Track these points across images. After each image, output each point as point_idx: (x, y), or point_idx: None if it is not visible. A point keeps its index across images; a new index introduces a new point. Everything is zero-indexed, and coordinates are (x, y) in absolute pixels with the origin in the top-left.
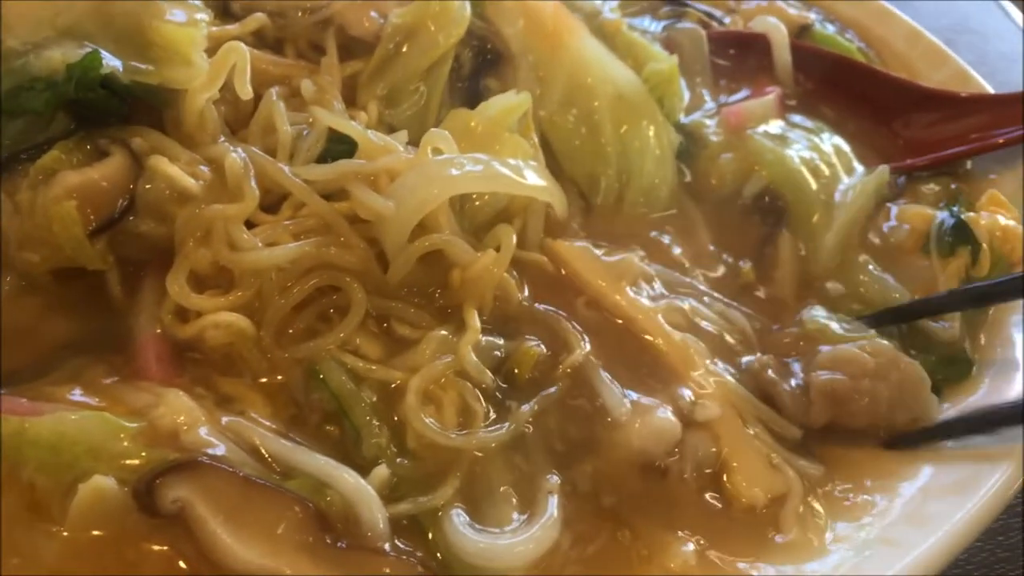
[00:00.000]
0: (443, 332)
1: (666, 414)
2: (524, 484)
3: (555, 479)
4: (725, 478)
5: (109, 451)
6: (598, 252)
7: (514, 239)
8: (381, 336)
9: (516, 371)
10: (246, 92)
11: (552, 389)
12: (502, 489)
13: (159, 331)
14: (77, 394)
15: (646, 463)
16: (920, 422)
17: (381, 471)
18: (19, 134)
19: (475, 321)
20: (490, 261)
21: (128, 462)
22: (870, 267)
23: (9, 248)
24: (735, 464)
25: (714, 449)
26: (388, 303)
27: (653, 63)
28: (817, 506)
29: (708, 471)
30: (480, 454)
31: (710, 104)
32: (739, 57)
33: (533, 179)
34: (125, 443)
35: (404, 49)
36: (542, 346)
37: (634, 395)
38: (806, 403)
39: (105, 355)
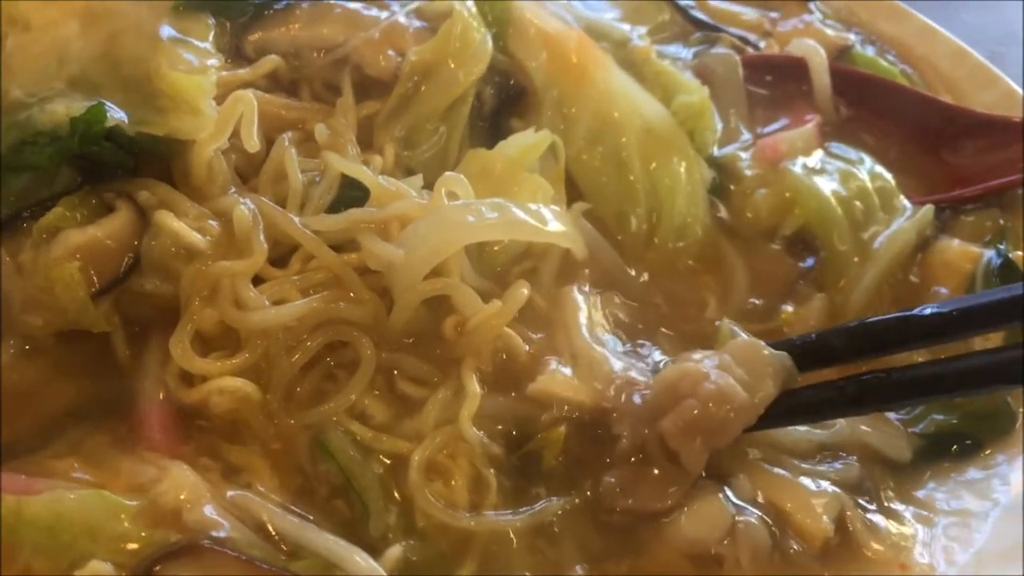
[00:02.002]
0: (447, 393)
1: (715, 496)
2: (548, 569)
3: (582, 570)
4: (789, 529)
5: (108, 533)
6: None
7: (525, 292)
8: (387, 395)
9: (542, 458)
10: (252, 144)
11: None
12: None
13: (163, 396)
14: (77, 468)
15: (699, 553)
16: (789, 385)
17: (394, 552)
18: (23, 190)
19: (473, 386)
20: (494, 312)
21: (127, 546)
22: None
23: (11, 311)
24: (788, 507)
25: (767, 519)
26: (393, 355)
27: (683, 95)
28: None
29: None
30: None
31: (746, 135)
32: (776, 83)
33: (554, 225)
34: (125, 523)
35: (423, 88)
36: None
37: None
38: (673, 467)
39: (108, 423)
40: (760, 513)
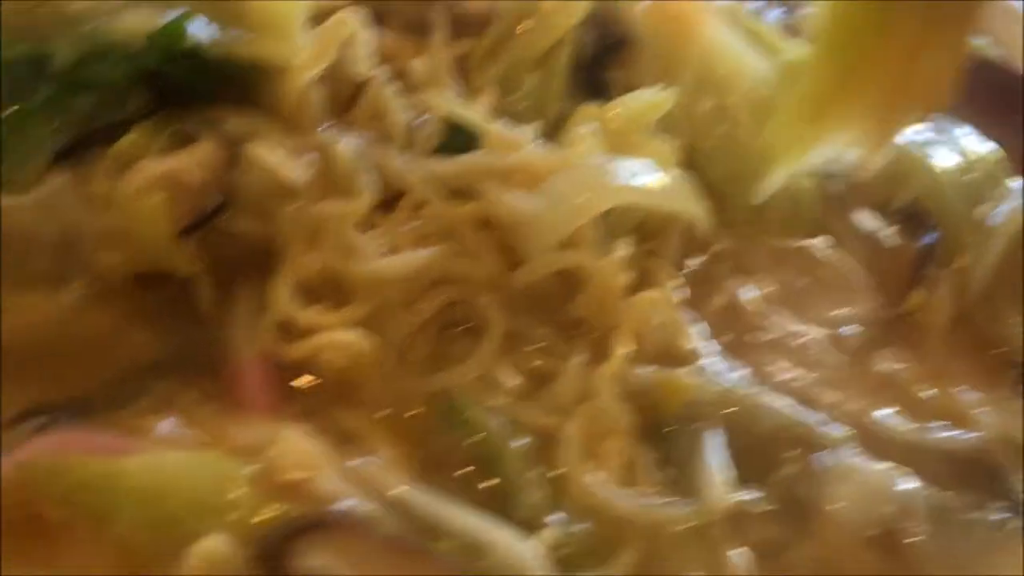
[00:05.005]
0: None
1: (867, 463)
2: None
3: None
4: None
5: (221, 503)
6: None
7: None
8: (515, 363)
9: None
10: (364, 71)
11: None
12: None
13: (260, 350)
14: (171, 426)
15: (872, 537)
16: None
17: (550, 534)
18: (89, 112)
19: (621, 348)
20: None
21: (245, 518)
22: None
23: (81, 248)
24: None
25: None
26: (516, 319)
27: (787, 53)
28: None
29: None
30: None
31: None
32: None
33: (692, 196)
34: (240, 492)
35: (519, 29)
36: None
37: None
38: None
39: (196, 379)
40: None
